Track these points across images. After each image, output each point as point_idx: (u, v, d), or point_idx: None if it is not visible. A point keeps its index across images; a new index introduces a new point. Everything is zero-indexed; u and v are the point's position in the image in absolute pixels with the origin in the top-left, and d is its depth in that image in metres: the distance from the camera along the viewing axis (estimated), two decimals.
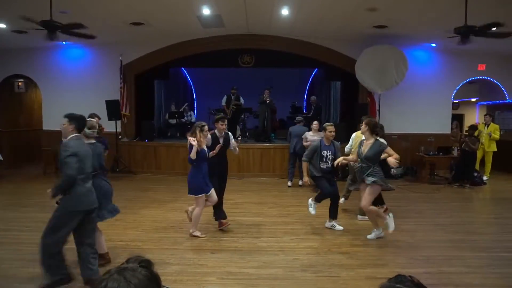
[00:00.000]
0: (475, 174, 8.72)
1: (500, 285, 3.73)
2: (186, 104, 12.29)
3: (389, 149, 4.79)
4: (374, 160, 4.76)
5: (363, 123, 4.91)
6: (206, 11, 7.78)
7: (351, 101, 10.47)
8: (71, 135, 3.42)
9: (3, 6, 6.96)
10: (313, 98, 11.83)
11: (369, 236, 4.99)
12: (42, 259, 3.31)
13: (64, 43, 9.74)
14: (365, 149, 4.80)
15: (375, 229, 4.99)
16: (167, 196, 7.18)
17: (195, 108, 13.90)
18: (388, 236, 5.04)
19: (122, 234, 5.05)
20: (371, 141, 4.79)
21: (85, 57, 10.47)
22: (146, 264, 1.05)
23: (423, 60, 10.40)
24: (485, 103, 12.50)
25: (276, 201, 7.03)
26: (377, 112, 9.89)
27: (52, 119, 10.38)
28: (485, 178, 9.07)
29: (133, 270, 1.01)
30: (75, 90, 10.23)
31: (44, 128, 10.48)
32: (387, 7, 7.15)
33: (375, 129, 4.83)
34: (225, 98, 11.00)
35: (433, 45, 10.07)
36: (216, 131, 5.28)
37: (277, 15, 8.14)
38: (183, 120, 11.76)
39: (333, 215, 5.42)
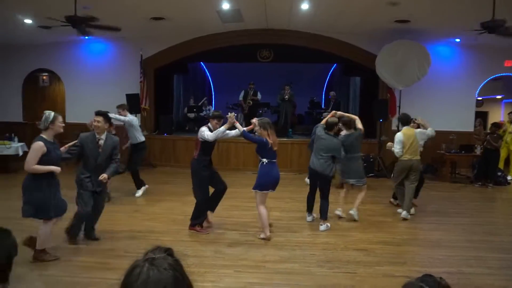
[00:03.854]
0: (499, 173, 8.48)
1: None
2: (204, 99, 12.38)
3: None
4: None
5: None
6: (225, 5, 7.79)
7: (370, 97, 10.31)
8: None
9: (29, 2, 7.14)
10: (332, 93, 11.72)
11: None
12: None
13: (86, 37, 9.94)
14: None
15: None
16: (184, 189, 7.23)
17: (213, 102, 13.98)
18: (406, 235, 4.98)
19: (140, 226, 5.15)
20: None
21: (106, 51, 10.66)
22: (171, 253, 1.08)
23: (447, 56, 10.12)
24: (511, 100, 12.10)
25: (293, 196, 7.02)
26: (398, 108, 9.71)
27: (75, 112, 10.66)
28: (509, 178, 8.80)
29: (164, 259, 1.04)
30: (97, 84, 10.44)
31: (67, 121, 10.70)
32: (409, 1, 6.98)
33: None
34: (242, 93, 11.05)
35: (457, 40, 9.79)
36: (210, 127, 4.99)
37: (297, 10, 8.07)
38: (202, 114, 11.85)
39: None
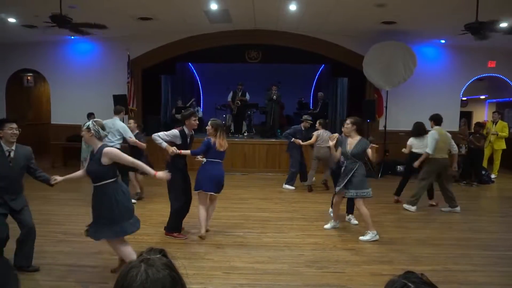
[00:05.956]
0: (483, 172, 8.64)
1: (505, 284, 3.72)
2: (192, 100, 12.31)
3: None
4: (360, 156, 4.86)
5: (349, 121, 4.96)
6: (213, 6, 7.77)
7: (358, 97, 10.41)
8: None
9: (13, 0, 7.00)
10: (320, 94, 11.79)
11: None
12: None
13: (72, 37, 9.80)
14: (351, 146, 4.86)
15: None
16: None
17: (201, 103, 13.93)
18: (394, 234, 5.04)
19: None
20: (357, 138, 4.89)
21: (93, 51, 10.52)
22: (165, 254, 1.08)
23: (432, 57, 10.29)
24: (494, 100, 12.35)
25: (282, 197, 7.05)
26: (385, 108, 9.83)
27: (60, 113, 10.50)
28: (493, 176, 8.99)
29: (159, 259, 1.03)
30: (83, 84, 10.30)
31: (52, 122, 10.58)
32: (395, 2, 7.07)
33: (361, 127, 5.01)
34: (231, 94, 11.04)
35: (442, 41, 9.96)
36: (185, 128, 4.76)
37: (285, 11, 8.10)
38: None
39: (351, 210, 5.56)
